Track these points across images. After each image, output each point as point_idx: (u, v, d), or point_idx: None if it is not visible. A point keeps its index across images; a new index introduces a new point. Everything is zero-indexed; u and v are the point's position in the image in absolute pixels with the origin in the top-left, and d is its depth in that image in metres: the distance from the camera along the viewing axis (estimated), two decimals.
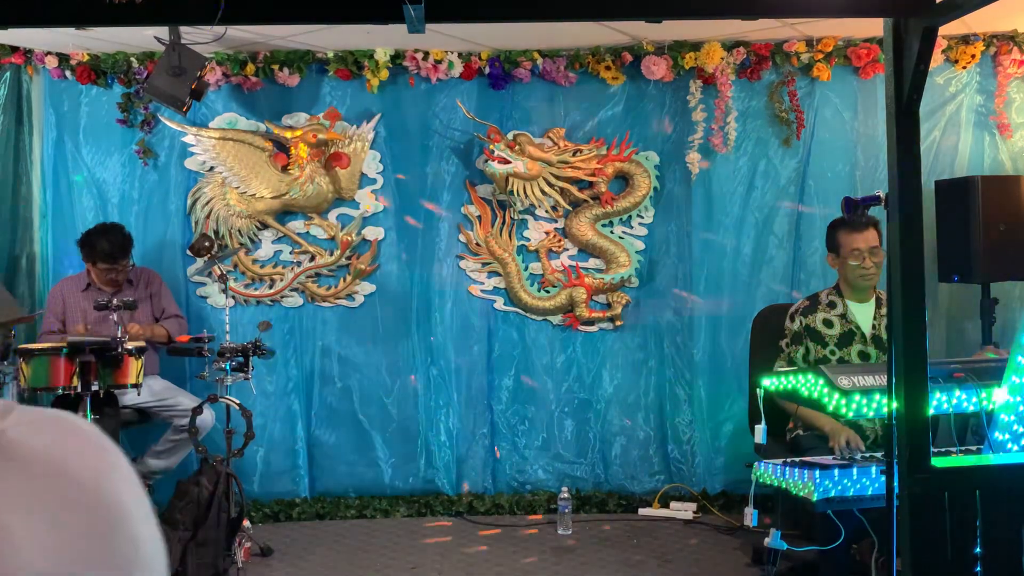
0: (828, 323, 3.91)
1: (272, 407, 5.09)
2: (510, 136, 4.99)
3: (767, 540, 3.34)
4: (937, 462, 2.82)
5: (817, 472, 3.08)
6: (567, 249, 5.13)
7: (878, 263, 3.82)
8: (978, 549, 2.79)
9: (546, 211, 5.07)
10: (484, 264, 5.12)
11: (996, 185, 4.52)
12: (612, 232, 5.10)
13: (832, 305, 3.95)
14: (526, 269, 5.13)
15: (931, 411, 2.89)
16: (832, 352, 3.86)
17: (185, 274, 5.09)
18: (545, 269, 5.11)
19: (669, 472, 5.13)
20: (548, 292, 5.13)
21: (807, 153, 5.02)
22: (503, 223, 5.09)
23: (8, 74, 4.93)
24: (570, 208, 5.08)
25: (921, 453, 2.73)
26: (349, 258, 5.08)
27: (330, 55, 4.94)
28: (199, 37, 4.26)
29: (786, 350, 3.95)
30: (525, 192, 4.99)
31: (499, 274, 5.12)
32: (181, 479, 4.09)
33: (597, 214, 5.05)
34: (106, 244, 4.50)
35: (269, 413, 5.07)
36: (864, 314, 3.93)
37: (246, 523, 4.20)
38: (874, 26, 4.60)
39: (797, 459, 3.35)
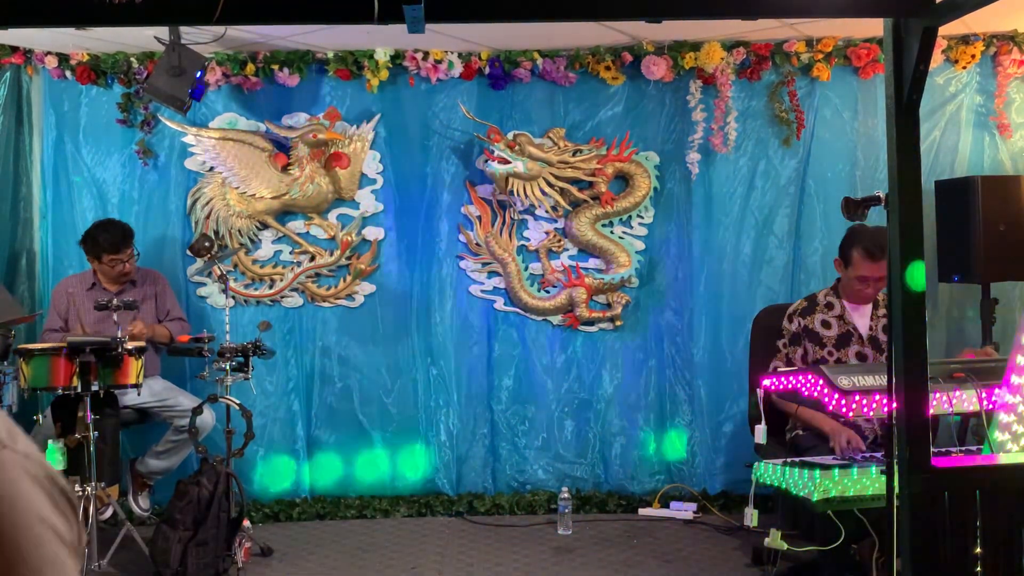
0: (826, 324, 3.92)
1: (272, 407, 5.09)
2: (510, 136, 4.98)
3: (767, 540, 3.34)
4: (937, 462, 2.82)
5: (817, 472, 3.09)
6: (567, 249, 5.13)
7: (880, 288, 3.83)
8: (978, 549, 2.79)
9: (546, 211, 5.07)
10: (484, 264, 5.12)
11: (996, 185, 4.53)
12: (612, 232, 5.10)
13: (830, 306, 3.96)
14: (526, 269, 5.13)
15: (931, 411, 2.89)
16: (830, 353, 3.86)
17: (185, 274, 5.09)
18: (545, 269, 5.11)
19: (669, 472, 5.13)
20: (548, 292, 5.12)
21: (807, 153, 5.02)
22: (503, 223, 5.08)
23: (8, 74, 4.93)
24: (570, 208, 5.08)
25: (921, 453, 2.73)
26: (349, 258, 5.08)
27: (330, 55, 4.93)
28: (199, 37, 4.27)
29: (784, 350, 3.96)
30: (525, 192, 4.99)
31: (499, 274, 5.12)
32: (181, 479, 4.09)
33: (597, 214, 5.05)
34: (107, 236, 4.55)
35: (269, 413, 5.07)
36: (862, 316, 3.94)
37: (246, 523, 4.20)
38: (874, 26, 4.60)
39: (797, 459, 3.36)
